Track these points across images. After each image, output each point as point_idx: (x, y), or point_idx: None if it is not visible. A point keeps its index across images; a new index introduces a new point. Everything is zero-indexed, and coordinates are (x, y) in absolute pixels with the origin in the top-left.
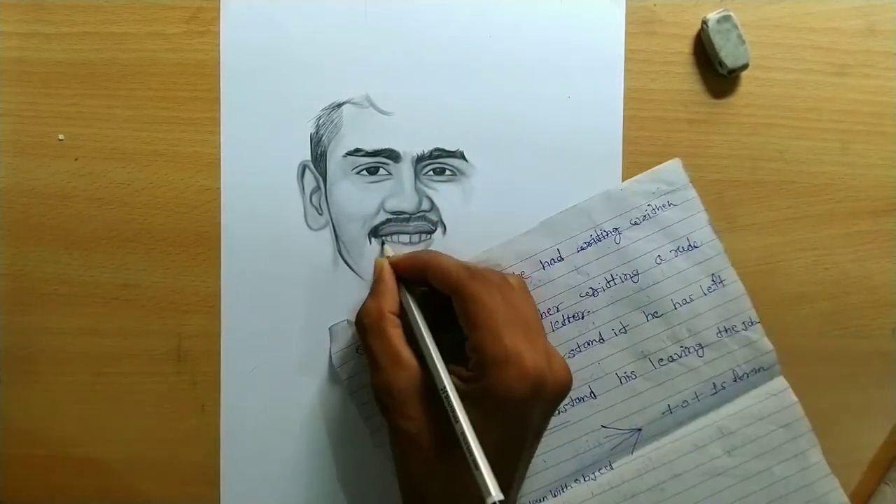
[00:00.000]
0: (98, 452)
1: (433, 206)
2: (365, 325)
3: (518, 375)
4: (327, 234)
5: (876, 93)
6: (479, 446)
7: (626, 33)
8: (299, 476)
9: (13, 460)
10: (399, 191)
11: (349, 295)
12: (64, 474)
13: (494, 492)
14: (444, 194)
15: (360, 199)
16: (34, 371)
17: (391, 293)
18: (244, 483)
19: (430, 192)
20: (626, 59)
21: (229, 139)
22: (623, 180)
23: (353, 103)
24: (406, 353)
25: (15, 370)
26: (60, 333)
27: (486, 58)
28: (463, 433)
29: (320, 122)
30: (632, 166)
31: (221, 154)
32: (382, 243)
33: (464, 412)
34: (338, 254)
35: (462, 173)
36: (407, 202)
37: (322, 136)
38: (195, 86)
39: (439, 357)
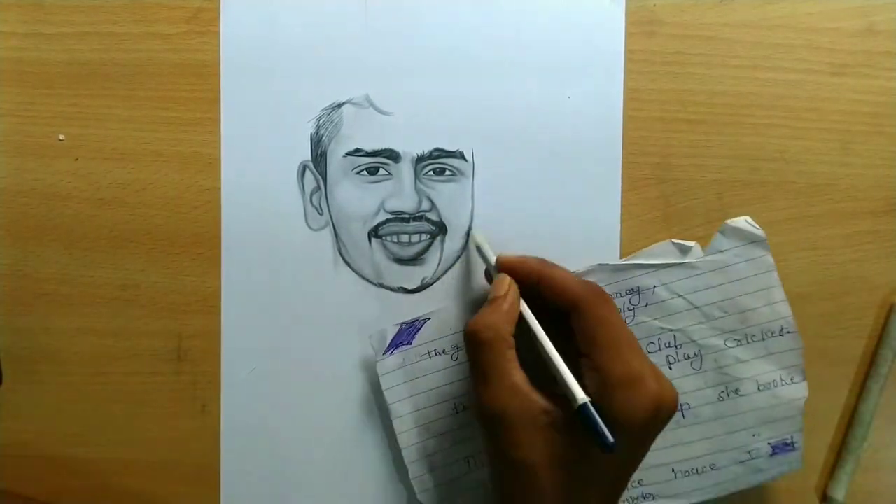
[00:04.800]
0: (98, 452)
1: (433, 206)
2: (482, 340)
3: (643, 398)
4: (327, 234)
5: (876, 93)
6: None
7: (626, 33)
8: (299, 476)
9: (13, 460)
10: (399, 191)
11: (349, 295)
12: (64, 474)
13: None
14: (444, 194)
15: (360, 199)
16: (34, 371)
17: (513, 312)
18: (244, 483)
19: (430, 192)
20: (626, 59)
21: (229, 139)
22: (622, 179)
23: (353, 103)
24: (521, 377)
25: (15, 370)
26: (60, 333)
27: (485, 58)
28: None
29: (320, 122)
30: (632, 166)
31: (221, 154)
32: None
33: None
34: (338, 254)
35: (462, 173)
36: (407, 202)
37: (322, 136)
38: (195, 86)
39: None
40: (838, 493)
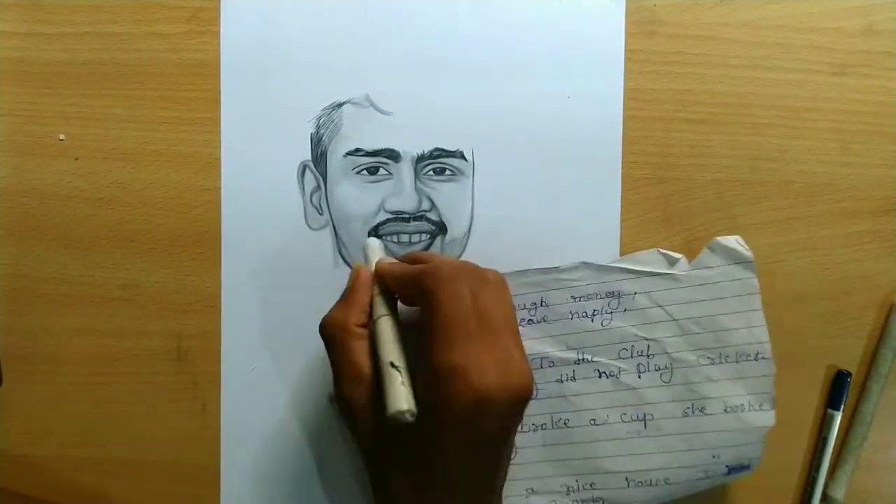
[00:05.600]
0: (98, 452)
1: (433, 206)
2: (328, 336)
3: (460, 390)
4: (327, 234)
5: (876, 93)
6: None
7: (626, 33)
8: (299, 476)
9: (13, 460)
10: (399, 191)
11: None
12: (64, 474)
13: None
14: (444, 194)
15: (360, 198)
16: (34, 371)
17: (361, 304)
18: (244, 483)
19: (430, 192)
20: (626, 59)
21: (229, 139)
22: (622, 179)
23: (354, 103)
24: (367, 366)
25: (15, 370)
26: (60, 333)
27: (486, 57)
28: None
29: (320, 121)
30: (632, 166)
31: (221, 154)
32: (374, 235)
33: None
34: (338, 254)
35: (462, 173)
36: (407, 202)
37: (322, 135)
38: (195, 86)
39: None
40: (838, 492)
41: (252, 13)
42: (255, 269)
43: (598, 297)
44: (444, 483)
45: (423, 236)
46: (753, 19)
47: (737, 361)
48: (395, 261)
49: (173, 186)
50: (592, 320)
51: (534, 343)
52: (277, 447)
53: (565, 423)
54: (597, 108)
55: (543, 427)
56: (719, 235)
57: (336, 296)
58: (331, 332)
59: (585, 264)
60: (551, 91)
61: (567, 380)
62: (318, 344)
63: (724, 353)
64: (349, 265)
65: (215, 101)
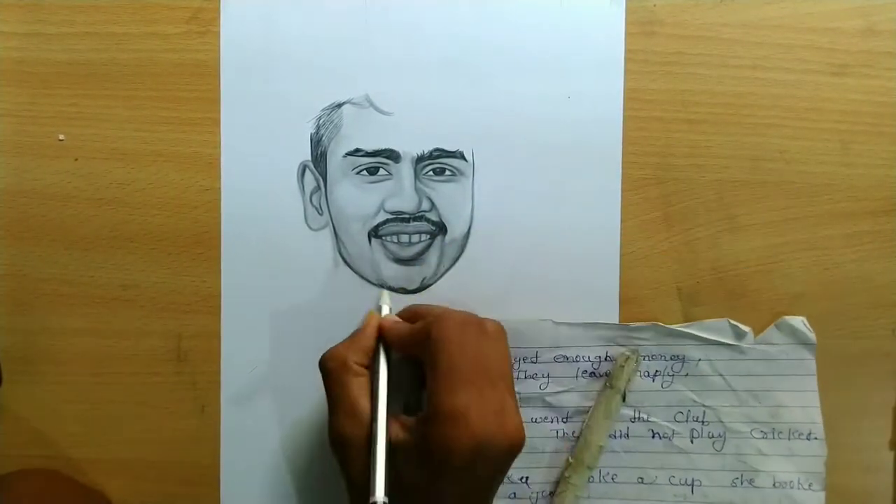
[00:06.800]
0: (98, 452)
1: (433, 206)
2: (328, 370)
3: (461, 434)
4: (327, 234)
5: (876, 93)
6: (382, 450)
7: (626, 33)
8: (299, 476)
9: (13, 460)
10: (399, 191)
11: (349, 295)
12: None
13: (379, 494)
14: (444, 194)
15: (360, 199)
16: (34, 371)
17: (364, 347)
18: (244, 483)
19: (430, 192)
20: (626, 59)
21: (229, 139)
22: (622, 179)
23: (353, 103)
24: (364, 404)
25: (15, 370)
26: (60, 333)
27: (485, 58)
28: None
29: (320, 122)
30: (632, 166)
31: (221, 154)
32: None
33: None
34: (338, 254)
35: (462, 173)
36: (407, 202)
37: (322, 136)
38: (195, 86)
39: (384, 400)
40: None
41: (252, 13)
42: (255, 269)
43: (663, 358)
44: None
45: (423, 236)
46: (753, 19)
47: (789, 438)
48: (399, 319)
49: (173, 186)
50: (654, 380)
51: (595, 395)
52: (277, 447)
53: (612, 478)
54: (597, 108)
55: (591, 480)
56: (785, 314)
57: (335, 296)
58: (330, 365)
59: (655, 326)
60: (551, 91)
61: (620, 436)
62: (318, 344)
63: (777, 429)
64: (349, 265)
65: (215, 101)
